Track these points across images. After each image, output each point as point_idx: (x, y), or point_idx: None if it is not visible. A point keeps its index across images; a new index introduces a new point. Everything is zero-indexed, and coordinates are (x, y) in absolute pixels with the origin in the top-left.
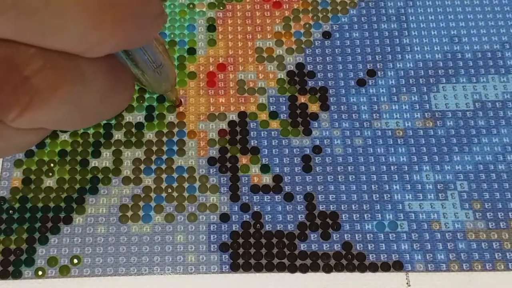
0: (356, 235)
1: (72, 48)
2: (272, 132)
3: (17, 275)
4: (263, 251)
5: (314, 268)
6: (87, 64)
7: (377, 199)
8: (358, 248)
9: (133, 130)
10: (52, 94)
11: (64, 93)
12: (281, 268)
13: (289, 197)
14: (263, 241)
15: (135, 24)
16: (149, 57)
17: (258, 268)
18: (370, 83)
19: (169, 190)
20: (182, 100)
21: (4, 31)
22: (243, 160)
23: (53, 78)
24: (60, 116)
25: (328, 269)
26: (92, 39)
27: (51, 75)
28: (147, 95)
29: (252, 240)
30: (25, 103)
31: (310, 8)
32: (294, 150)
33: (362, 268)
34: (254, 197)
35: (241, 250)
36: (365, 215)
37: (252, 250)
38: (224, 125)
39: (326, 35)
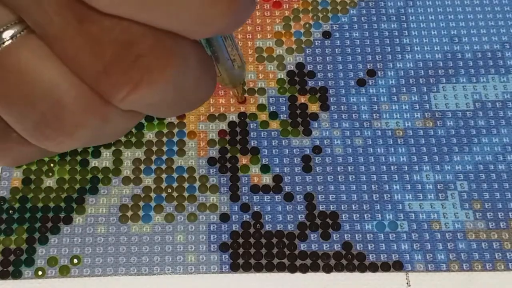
0: (356, 235)
1: (184, 28)
2: (272, 133)
3: (17, 275)
4: (263, 251)
5: (314, 268)
6: (190, 46)
7: (377, 199)
8: (358, 248)
9: (133, 130)
10: (161, 73)
11: (172, 73)
12: (281, 268)
13: (289, 197)
14: (263, 241)
15: (241, 6)
16: (228, 48)
17: (258, 268)
18: (370, 83)
19: (169, 190)
20: None
21: (129, 7)
22: (243, 160)
23: (163, 58)
24: (162, 98)
25: (328, 269)
26: (204, 19)
27: (161, 54)
28: None
29: (252, 240)
30: (136, 81)
31: (310, 8)
32: (294, 150)
33: (362, 268)
34: (254, 197)
35: (241, 250)
36: (365, 215)
37: (252, 250)
38: (224, 126)
39: (326, 35)
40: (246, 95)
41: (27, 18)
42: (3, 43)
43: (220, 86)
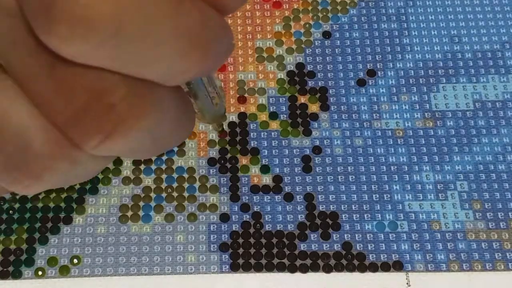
0: (356, 235)
1: (159, 77)
2: (272, 133)
3: (17, 275)
4: (263, 251)
5: (314, 268)
6: (166, 91)
7: (377, 199)
8: (358, 248)
9: None
10: (135, 123)
11: (146, 122)
12: (281, 268)
13: (289, 197)
14: (263, 241)
15: (216, 53)
16: (206, 85)
17: (258, 268)
18: (370, 83)
19: (169, 190)
20: None
21: (100, 59)
22: (243, 160)
23: (136, 107)
24: (136, 145)
25: (328, 269)
26: (179, 68)
27: (135, 103)
28: None
29: (252, 240)
30: (107, 131)
31: (310, 8)
32: (294, 150)
33: (362, 268)
34: (254, 197)
35: (241, 250)
36: (365, 215)
37: (252, 250)
38: (224, 126)
39: (326, 35)
40: (226, 129)
41: (0, 57)
42: None
43: None
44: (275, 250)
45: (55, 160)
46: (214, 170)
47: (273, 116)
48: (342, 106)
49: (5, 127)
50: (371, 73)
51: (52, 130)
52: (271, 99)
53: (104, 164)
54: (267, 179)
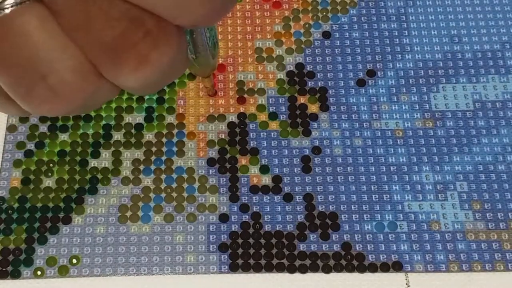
0: (356, 235)
1: (167, 12)
2: (272, 133)
3: (16, 275)
4: (262, 251)
5: (314, 268)
6: (176, 29)
7: (377, 199)
8: (357, 248)
9: (133, 131)
10: (168, 49)
11: (173, 50)
12: (280, 268)
13: (288, 198)
14: (262, 241)
15: (221, 1)
16: (207, 37)
17: (257, 269)
18: (370, 83)
19: (169, 191)
20: (182, 101)
21: None
22: (243, 161)
23: (167, 35)
24: (151, 82)
25: (327, 270)
26: (184, 6)
27: (165, 31)
28: (146, 96)
29: (251, 241)
30: (144, 55)
31: (310, 8)
32: (294, 150)
33: (362, 269)
34: (254, 197)
35: (240, 251)
36: (365, 215)
37: (251, 251)
38: (223, 126)
39: (326, 35)
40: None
41: None
42: (6, 8)
43: (219, 87)
44: (274, 251)
45: (83, 85)
46: (214, 170)
47: (273, 116)
48: (341, 107)
49: (40, 49)
50: (371, 73)
51: (81, 57)
52: (270, 99)
53: (115, 95)
54: (266, 179)
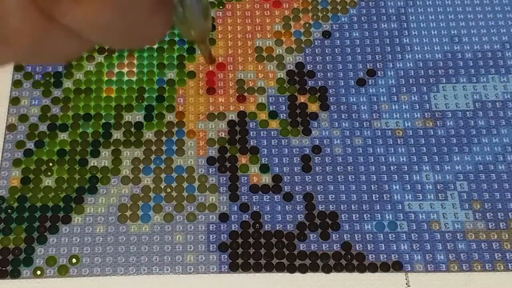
0: (356, 235)
1: None
2: (272, 132)
3: (15, 274)
4: (262, 251)
5: (314, 268)
6: None
7: (377, 199)
8: (357, 248)
9: (132, 129)
10: None
11: None
12: (280, 268)
13: (288, 197)
14: (262, 241)
15: None
16: None
17: (257, 268)
18: (370, 83)
19: (168, 190)
20: (181, 99)
21: None
22: (243, 160)
23: None
24: (106, 21)
25: (327, 269)
26: None
27: None
28: (146, 94)
29: (251, 240)
30: None
31: (310, 8)
32: (294, 150)
33: (362, 268)
34: (254, 197)
35: (240, 250)
36: (365, 215)
37: (251, 250)
38: (223, 125)
39: (326, 34)
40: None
41: None
42: None
43: (219, 85)
44: (274, 250)
45: (26, 25)
46: (214, 169)
47: (273, 115)
48: (341, 106)
49: None
50: (371, 73)
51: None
52: (270, 98)
53: (78, 47)
54: (266, 179)
